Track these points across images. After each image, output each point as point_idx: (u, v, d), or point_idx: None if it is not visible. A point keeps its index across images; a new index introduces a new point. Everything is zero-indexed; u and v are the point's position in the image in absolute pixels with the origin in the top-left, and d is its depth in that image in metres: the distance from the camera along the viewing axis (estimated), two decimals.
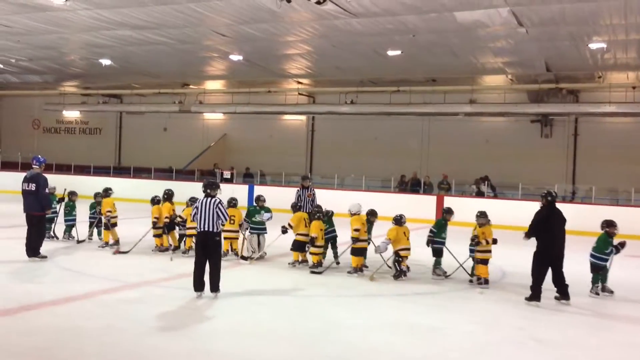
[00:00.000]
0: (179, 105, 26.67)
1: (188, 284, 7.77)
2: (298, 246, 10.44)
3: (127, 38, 17.19)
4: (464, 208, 19.08)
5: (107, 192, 11.95)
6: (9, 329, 6.07)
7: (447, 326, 6.96)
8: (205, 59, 20.31)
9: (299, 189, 13.01)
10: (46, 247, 10.70)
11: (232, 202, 11.02)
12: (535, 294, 8.11)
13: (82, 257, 10.61)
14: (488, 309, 7.94)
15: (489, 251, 9.42)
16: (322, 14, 13.67)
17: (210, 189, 8.01)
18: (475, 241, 9.33)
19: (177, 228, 11.35)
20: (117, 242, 11.53)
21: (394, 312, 7.55)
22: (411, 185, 22.80)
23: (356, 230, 9.79)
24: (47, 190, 10.27)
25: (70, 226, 12.31)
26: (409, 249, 9.66)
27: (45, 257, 10.13)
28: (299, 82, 24.17)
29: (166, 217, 11.21)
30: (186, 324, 6.67)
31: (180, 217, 11.00)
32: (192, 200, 10.88)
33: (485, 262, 9.39)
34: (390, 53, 17.48)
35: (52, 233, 12.15)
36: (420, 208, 20.07)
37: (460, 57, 17.82)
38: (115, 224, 11.65)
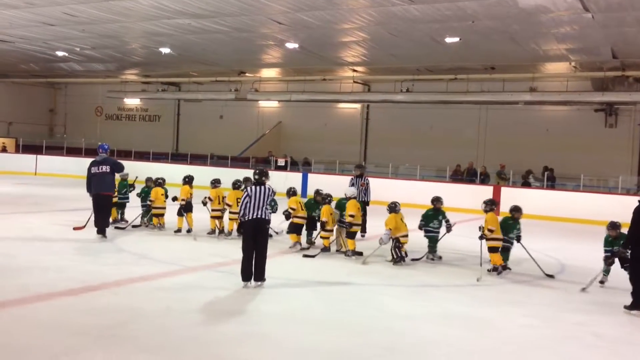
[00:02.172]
0: (235, 93, 26.99)
1: None
2: (295, 229, 10.79)
3: (186, 27, 17.47)
4: (521, 199, 18.70)
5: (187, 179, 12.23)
6: (72, 308, 6.32)
7: (502, 319, 6.81)
8: (261, 47, 20.44)
9: (352, 177, 13.04)
10: (110, 230, 11.14)
11: (292, 190, 11.14)
12: (637, 303, 7.38)
13: (142, 241, 10.93)
14: (545, 303, 7.72)
15: (496, 239, 9.33)
16: (380, 0, 13.50)
17: (263, 176, 8.02)
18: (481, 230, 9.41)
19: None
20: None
21: (447, 303, 7.44)
22: (467, 175, 22.40)
23: (351, 215, 10.17)
24: (115, 173, 10.92)
25: (147, 211, 12.42)
26: (407, 235, 9.88)
27: (105, 237, 10.63)
28: (354, 70, 24.04)
29: (182, 200, 11.71)
30: (240, 309, 6.77)
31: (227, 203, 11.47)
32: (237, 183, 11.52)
33: (494, 249, 9.34)
34: (448, 40, 17.13)
35: (124, 218, 12.52)
36: (476, 199, 19.55)
37: (520, 44, 17.29)
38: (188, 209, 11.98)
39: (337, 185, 20.80)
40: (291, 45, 19.32)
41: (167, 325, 5.89)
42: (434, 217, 10.41)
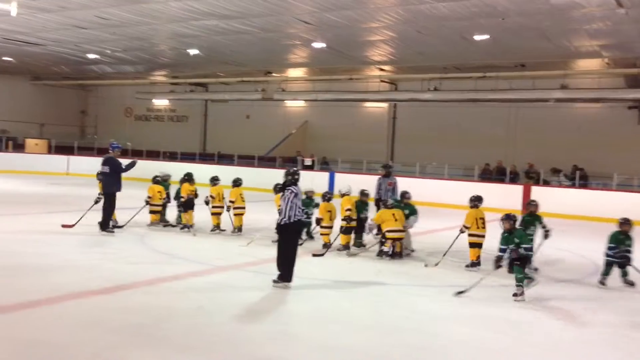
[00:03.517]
0: (261, 93, 27.12)
1: (272, 269, 7.83)
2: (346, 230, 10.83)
3: (213, 28, 17.61)
4: (551, 198, 18.45)
5: (236, 182, 12.34)
6: (106, 306, 6.42)
7: (536, 321, 6.71)
8: (288, 47, 20.51)
9: (379, 177, 12.95)
10: (139, 230, 11.30)
11: (327, 196, 11.14)
12: None
13: (172, 240, 11.04)
14: (578, 306, 7.57)
15: (476, 235, 9.50)
16: None
17: (298, 176, 7.97)
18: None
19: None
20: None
21: (479, 304, 7.36)
22: (496, 174, 22.15)
23: (348, 210, 10.42)
24: (117, 172, 11.30)
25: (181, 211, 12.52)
26: (396, 231, 9.99)
27: (112, 231, 11.12)
28: (381, 69, 23.95)
29: (182, 197, 12.03)
30: (270, 308, 6.81)
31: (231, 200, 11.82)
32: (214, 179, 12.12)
33: (473, 245, 9.51)
34: (477, 37, 16.95)
35: (164, 219, 12.65)
36: (505, 198, 19.47)
37: (552, 41, 17.01)
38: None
39: (364, 184, 20.90)
40: (318, 44, 19.33)
41: (199, 325, 5.94)
42: (530, 223, 9.54)
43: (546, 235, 9.24)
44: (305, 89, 27.74)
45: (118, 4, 15.33)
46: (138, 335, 5.52)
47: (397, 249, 10.18)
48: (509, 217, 7.97)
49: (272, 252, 8.05)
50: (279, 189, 8.92)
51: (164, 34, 19.38)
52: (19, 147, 29.60)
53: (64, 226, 11.29)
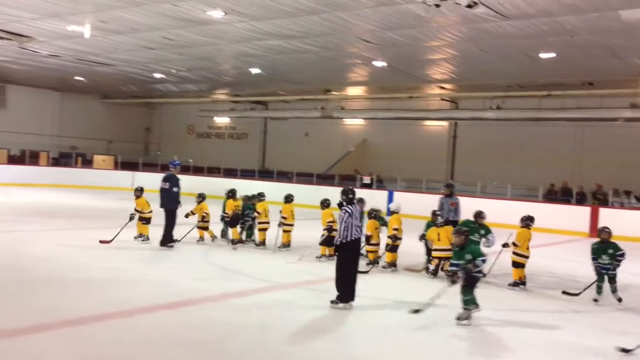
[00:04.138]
0: (320, 111, 27.33)
1: (333, 287, 7.75)
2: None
3: (275, 47, 17.91)
4: (621, 220, 17.67)
5: (260, 196, 12.56)
6: (174, 322, 6.53)
7: (604, 349, 6.36)
8: (348, 65, 20.62)
9: (442, 196, 12.74)
10: (201, 247, 11.51)
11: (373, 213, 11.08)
12: None
13: (233, 256, 11.19)
14: None
15: (522, 255, 9.50)
16: (472, 17, 13.27)
17: (353, 195, 7.91)
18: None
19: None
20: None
21: (553, 331, 7.07)
22: (561, 195, 21.44)
23: (395, 229, 10.44)
24: (176, 189, 11.50)
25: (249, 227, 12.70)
26: (441, 250, 9.98)
27: (172, 246, 11.35)
28: (442, 87, 23.72)
29: (226, 213, 12.27)
30: (332, 328, 6.76)
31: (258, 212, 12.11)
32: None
33: (517, 265, 9.52)
34: (543, 55, 16.56)
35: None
36: (572, 219, 18.85)
37: (622, 59, 16.44)
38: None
39: (423, 203, 20.60)
40: (378, 63, 19.35)
41: (263, 341, 5.96)
42: (603, 251, 8.83)
43: (618, 260, 8.76)
44: (364, 107, 27.77)
45: (186, 26, 15.82)
46: (204, 350, 5.58)
47: (445, 269, 9.89)
48: (458, 232, 7.56)
49: (331, 271, 8.00)
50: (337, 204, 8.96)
51: (227, 54, 19.86)
52: (87, 163, 30.83)
53: (101, 242, 11.32)
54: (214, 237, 12.45)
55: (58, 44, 19.36)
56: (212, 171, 28.77)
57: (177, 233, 11.95)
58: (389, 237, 10.55)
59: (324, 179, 25.88)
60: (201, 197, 12.44)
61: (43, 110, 32.09)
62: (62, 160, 30.39)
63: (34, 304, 6.89)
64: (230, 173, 28.46)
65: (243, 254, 11.49)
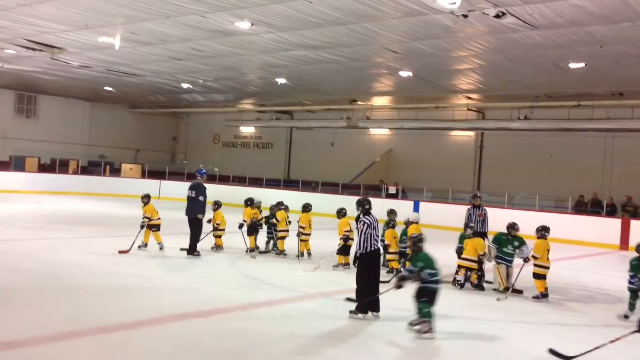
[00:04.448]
0: (346, 121, 27.36)
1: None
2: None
3: (302, 58, 18.01)
4: None
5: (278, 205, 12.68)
6: (203, 330, 6.57)
7: None
8: (374, 75, 20.61)
9: (469, 207, 12.67)
10: (227, 255, 11.57)
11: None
12: None
13: (260, 265, 11.23)
14: None
15: (543, 266, 9.44)
16: (500, 27, 13.19)
17: (370, 206, 7.88)
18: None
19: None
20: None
21: (578, 344, 6.94)
22: (591, 207, 21.09)
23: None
24: (202, 198, 11.58)
25: (271, 237, 12.79)
26: (467, 260, 9.98)
27: (199, 254, 11.44)
28: (469, 97, 23.56)
29: (244, 221, 12.33)
30: (360, 338, 6.73)
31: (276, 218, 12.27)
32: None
33: (539, 276, 9.45)
34: (572, 65, 16.34)
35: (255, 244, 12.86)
36: (602, 232, 18.52)
37: None
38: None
39: (449, 213, 20.50)
40: (405, 73, 19.31)
41: (292, 351, 5.96)
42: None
43: None
44: (390, 117, 27.72)
45: (213, 37, 16.00)
46: None
47: (472, 280, 9.98)
48: (410, 239, 7.57)
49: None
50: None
51: (254, 64, 20.01)
52: (115, 172, 31.29)
53: (120, 252, 11.31)
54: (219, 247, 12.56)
55: (89, 55, 19.74)
56: (238, 180, 28.97)
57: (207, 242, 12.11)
58: (407, 246, 10.55)
59: (349, 189, 25.86)
60: (217, 205, 12.65)
61: (73, 120, 32.71)
62: (91, 168, 30.92)
63: (65, 311, 7.00)
64: (255, 182, 28.61)
65: (268, 263, 11.52)
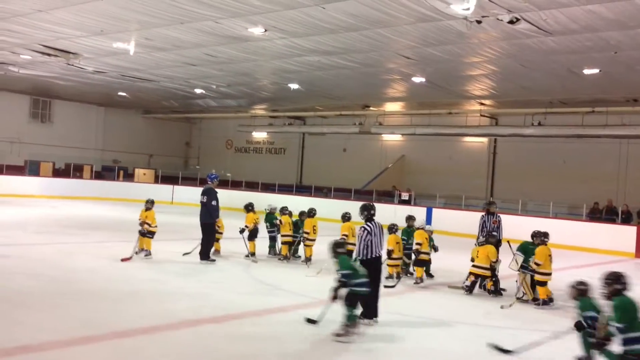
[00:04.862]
0: (358, 126, 27.33)
1: None
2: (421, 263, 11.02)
3: (315, 63, 18.04)
4: None
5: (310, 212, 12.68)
6: (218, 335, 6.58)
7: None
8: (387, 81, 20.61)
9: (483, 214, 12.58)
10: (239, 261, 11.59)
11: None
12: None
13: (272, 271, 11.25)
14: None
15: (544, 273, 9.35)
16: (513, 33, 13.14)
17: (374, 212, 7.85)
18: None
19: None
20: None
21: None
22: (606, 214, 20.88)
23: (418, 244, 10.78)
24: (214, 203, 11.59)
25: (289, 243, 12.65)
26: (478, 267, 10.02)
27: (214, 260, 11.44)
28: (482, 103, 23.48)
29: (247, 226, 12.28)
30: (373, 346, 6.69)
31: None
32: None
33: (541, 284, 9.38)
34: (586, 71, 16.24)
35: (276, 250, 12.91)
36: (617, 239, 18.32)
37: None
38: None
39: (462, 220, 20.40)
40: (417, 79, 19.29)
41: (305, 357, 5.94)
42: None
43: None
44: (402, 123, 27.66)
45: (227, 43, 16.08)
46: None
47: (488, 287, 10.01)
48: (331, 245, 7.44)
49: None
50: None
51: (267, 70, 20.08)
52: (129, 177, 31.47)
53: (123, 260, 11.03)
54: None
55: (103, 61, 19.92)
56: (250, 186, 29.03)
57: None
58: (413, 251, 10.89)
59: (362, 195, 25.79)
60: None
61: (87, 125, 32.99)
62: (104, 173, 31.16)
63: (78, 315, 7.04)
64: (267, 188, 28.64)
65: (280, 269, 11.53)
